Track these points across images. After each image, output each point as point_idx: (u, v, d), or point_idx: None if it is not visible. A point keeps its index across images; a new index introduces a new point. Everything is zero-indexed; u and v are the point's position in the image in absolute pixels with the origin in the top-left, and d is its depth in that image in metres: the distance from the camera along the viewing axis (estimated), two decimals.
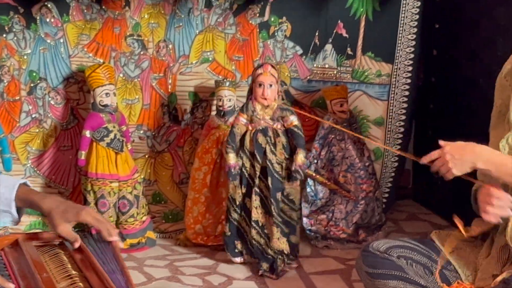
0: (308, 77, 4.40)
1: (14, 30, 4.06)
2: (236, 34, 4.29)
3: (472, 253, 2.57)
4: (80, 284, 1.89)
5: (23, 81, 4.12)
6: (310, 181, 4.23)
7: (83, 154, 3.95)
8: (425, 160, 2.47)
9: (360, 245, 4.02)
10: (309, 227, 4.19)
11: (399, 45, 4.37)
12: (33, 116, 4.15)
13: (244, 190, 3.72)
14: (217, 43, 4.28)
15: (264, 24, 4.30)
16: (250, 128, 3.70)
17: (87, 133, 3.93)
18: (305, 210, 4.21)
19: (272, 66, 3.70)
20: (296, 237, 3.79)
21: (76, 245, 2.10)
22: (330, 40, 4.37)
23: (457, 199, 3.12)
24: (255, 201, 3.70)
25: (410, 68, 4.40)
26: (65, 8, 4.10)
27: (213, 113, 4.19)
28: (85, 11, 4.13)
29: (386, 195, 4.55)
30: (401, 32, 4.35)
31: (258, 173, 3.68)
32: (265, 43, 4.32)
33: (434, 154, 2.43)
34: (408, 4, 4.31)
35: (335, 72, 4.41)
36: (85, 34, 4.15)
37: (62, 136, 4.21)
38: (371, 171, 4.23)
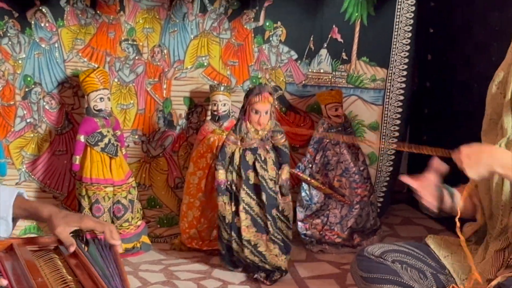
0: (303, 82, 4.41)
1: (8, 34, 4.06)
2: (231, 39, 4.29)
3: (467, 258, 2.58)
4: None
5: (18, 86, 4.11)
6: (305, 186, 4.23)
7: (77, 159, 3.94)
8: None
9: (355, 249, 4.03)
10: (304, 232, 4.19)
11: (393, 49, 4.38)
12: (28, 120, 4.14)
13: (234, 208, 3.72)
14: (212, 48, 4.29)
15: (259, 29, 4.31)
16: (239, 145, 3.70)
17: (82, 138, 3.93)
18: (300, 215, 4.21)
19: (269, 93, 3.68)
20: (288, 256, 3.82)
21: (72, 249, 2.09)
22: (325, 45, 4.37)
23: None
24: (245, 219, 3.70)
25: (405, 73, 4.41)
26: (60, 13, 4.10)
27: (208, 118, 4.19)
28: (80, 15, 4.13)
29: (381, 199, 4.56)
30: (395, 36, 4.36)
31: (243, 189, 3.69)
32: (260, 48, 4.32)
33: (449, 153, 2.37)
34: (402, 8, 4.32)
35: (330, 77, 4.42)
36: (80, 39, 4.15)
37: (56, 140, 4.21)
38: (366, 176, 4.24)
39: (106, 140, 3.93)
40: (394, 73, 4.41)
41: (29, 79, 4.11)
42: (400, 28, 4.35)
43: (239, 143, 3.70)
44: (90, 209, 3.93)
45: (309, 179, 4.19)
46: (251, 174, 3.68)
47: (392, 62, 4.40)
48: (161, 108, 4.29)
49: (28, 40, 4.09)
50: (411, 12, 4.33)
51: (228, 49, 4.30)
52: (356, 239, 4.15)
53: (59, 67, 4.15)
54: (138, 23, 4.20)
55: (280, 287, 3.66)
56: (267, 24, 4.30)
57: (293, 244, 4.12)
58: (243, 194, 3.68)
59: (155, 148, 4.32)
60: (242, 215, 3.68)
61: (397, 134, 4.49)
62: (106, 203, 3.94)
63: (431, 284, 2.55)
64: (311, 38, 4.35)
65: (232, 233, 3.71)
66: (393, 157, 4.54)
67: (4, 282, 1.83)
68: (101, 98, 3.92)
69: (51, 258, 2.09)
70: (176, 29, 4.23)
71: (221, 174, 3.70)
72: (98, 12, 4.14)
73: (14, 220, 2.24)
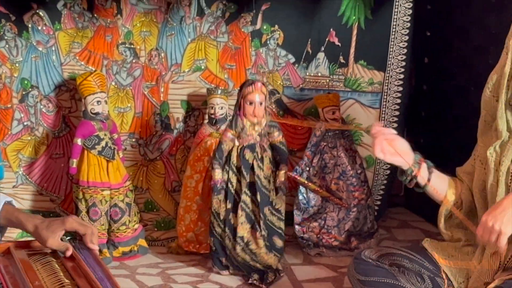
0: (301, 86, 4.40)
1: (5, 37, 4.06)
2: (228, 42, 4.29)
3: (464, 261, 2.58)
4: None
5: (15, 89, 4.11)
6: (302, 189, 4.23)
7: (74, 162, 3.94)
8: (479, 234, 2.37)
9: (352, 252, 4.02)
10: (301, 235, 4.19)
11: (391, 53, 4.38)
12: (25, 123, 4.14)
13: (229, 206, 3.71)
14: (209, 52, 4.29)
15: (256, 32, 4.30)
16: (237, 143, 3.70)
17: (79, 141, 3.92)
18: (297, 218, 4.21)
19: (262, 84, 3.70)
20: (282, 241, 3.81)
21: (68, 253, 2.10)
22: (323, 49, 4.37)
23: None
24: (241, 216, 3.70)
25: (402, 76, 4.41)
26: (57, 16, 4.10)
27: (205, 121, 4.19)
28: (77, 19, 4.13)
29: (378, 202, 4.56)
30: (393, 40, 4.36)
31: (244, 188, 3.69)
32: (258, 51, 4.32)
33: (479, 231, 2.32)
34: (399, 12, 4.33)
35: (327, 81, 4.41)
36: (77, 42, 4.15)
37: (54, 144, 4.21)
38: (363, 179, 4.24)
39: (103, 143, 3.93)
40: (391, 76, 4.41)
41: (26, 82, 4.11)
42: (397, 31, 4.35)
43: (236, 141, 3.69)
44: (87, 212, 3.92)
45: (306, 182, 4.19)
46: (250, 173, 3.68)
47: (389, 65, 4.40)
48: (158, 112, 4.29)
49: (25, 43, 4.09)
50: (408, 15, 4.33)
51: (226, 53, 4.30)
52: (354, 242, 4.15)
53: (56, 70, 4.14)
54: (135, 26, 4.20)
55: None
56: (265, 27, 4.30)
57: (290, 247, 4.13)
58: (242, 193, 3.68)
59: (152, 151, 4.32)
60: (239, 212, 3.68)
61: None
62: (103, 206, 3.93)
63: (429, 287, 2.55)
64: (309, 42, 4.35)
65: (226, 229, 3.71)
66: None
67: None
68: (98, 102, 3.92)
69: (48, 261, 2.09)
70: (173, 32, 4.24)
71: (217, 174, 3.69)
72: (95, 15, 4.14)
73: (2, 229, 2.25)
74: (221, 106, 4.06)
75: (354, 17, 4.34)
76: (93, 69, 4.12)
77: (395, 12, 4.33)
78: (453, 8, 4.31)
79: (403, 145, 2.65)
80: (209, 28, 4.25)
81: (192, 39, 4.25)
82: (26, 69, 4.11)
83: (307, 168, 4.22)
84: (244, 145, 3.67)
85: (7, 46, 4.07)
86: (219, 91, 4.06)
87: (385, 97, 4.43)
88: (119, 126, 4.19)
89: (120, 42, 4.18)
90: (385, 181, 4.56)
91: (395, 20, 4.34)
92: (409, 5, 4.32)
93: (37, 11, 4.06)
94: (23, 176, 4.19)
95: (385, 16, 4.34)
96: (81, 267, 2.02)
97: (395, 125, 4.45)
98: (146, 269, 3.89)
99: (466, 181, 2.73)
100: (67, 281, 1.95)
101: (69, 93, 4.16)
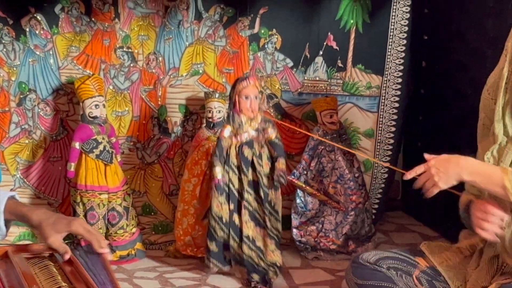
0: (299, 90, 4.41)
1: (3, 41, 4.06)
2: (226, 46, 4.30)
3: (462, 264, 2.58)
4: None
5: (13, 93, 4.11)
6: (299, 192, 4.23)
7: (72, 166, 3.94)
8: (409, 175, 2.47)
9: (350, 256, 4.02)
10: (299, 238, 4.19)
11: (388, 57, 4.38)
12: (23, 127, 4.14)
13: (232, 207, 3.71)
14: (207, 56, 4.29)
15: (254, 36, 4.31)
16: (234, 141, 3.70)
17: (77, 145, 3.92)
18: (295, 221, 4.21)
19: (255, 78, 3.74)
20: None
21: (66, 256, 2.09)
22: (321, 53, 4.37)
23: (446, 210, 3.13)
24: (245, 215, 3.70)
25: (400, 80, 4.41)
26: (55, 20, 4.10)
27: (203, 125, 4.19)
28: (75, 23, 4.13)
29: (376, 206, 4.56)
30: (390, 44, 4.37)
31: (246, 186, 3.69)
32: (255, 55, 4.32)
33: (419, 169, 2.44)
34: (397, 16, 4.33)
35: (325, 85, 4.42)
36: (75, 46, 4.15)
37: (51, 147, 4.21)
38: (361, 182, 4.24)
39: (101, 147, 3.93)
40: (389, 80, 4.41)
41: (23, 86, 4.11)
42: (395, 35, 4.36)
43: (233, 139, 3.69)
44: (85, 216, 3.92)
45: (304, 186, 4.20)
46: (250, 170, 3.68)
47: (387, 69, 4.40)
48: (156, 115, 4.29)
49: (22, 47, 4.09)
50: (406, 19, 4.34)
51: (223, 57, 4.31)
52: (351, 246, 4.15)
53: (53, 74, 4.15)
54: (133, 30, 4.20)
55: None
56: (262, 31, 4.30)
57: (288, 251, 4.13)
58: (244, 192, 3.68)
59: (150, 155, 4.32)
60: (243, 211, 3.68)
61: (392, 141, 4.49)
62: (101, 210, 3.93)
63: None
64: (307, 46, 4.36)
65: (231, 231, 3.70)
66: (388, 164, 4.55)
67: None
68: (96, 105, 3.92)
69: (46, 265, 2.09)
70: (171, 36, 4.24)
71: (219, 172, 3.67)
72: (93, 19, 4.14)
73: (8, 223, 2.23)
74: (219, 110, 4.06)
75: (352, 21, 4.34)
76: (91, 73, 4.13)
77: (392, 16, 4.33)
78: (450, 12, 4.32)
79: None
80: (207, 32, 4.25)
81: (190, 43, 4.26)
82: (23, 72, 4.11)
83: (305, 172, 4.22)
84: (242, 141, 3.68)
85: (4, 50, 4.07)
86: (217, 95, 4.06)
87: (383, 101, 4.44)
88: (117, 130, 4.20)
89: (118, 46, 4.18)
90: (382, 185, 4.56)
91: (392, 24, 4.34)
92: (406, 9, 4.33)
93: (35, 15, 4.07)
94: (20, 179, 4.18)
95: (383, 20, 4.34)
96: (79, 271, 2.02)
97: (393, 128, 4.46)
98: (144, 272, 3.89)
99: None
100: (65, 284, 1.94)
101: (66, 96, 4.17)
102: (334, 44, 4.37)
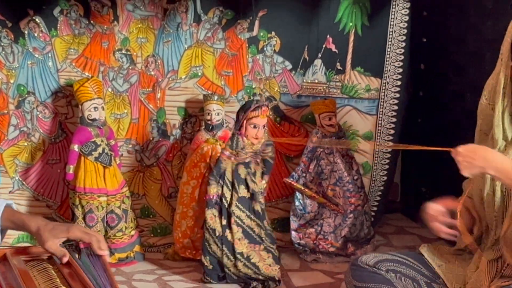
0: (298, 92, 4.41)
1: (2, 44, 4.06)
2: (225, 49, 4.30)
3: (461, 267, 2.58)
4: None
5: (11, 95, 4.11)
6: (298, 195, 4.23)
7: (71, 168, 3.94)
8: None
9: (349, 258, 4.03)
10: (298, 241, 4.19)
11: (387, 59, 4.38)
12: (21, 129, 4.14)
13: (224, 222, 3.72)
14: (206, 58, 4.29)
15: (253, 39, 4.31)
16: (233, 160, 3.72)
17: (75, 147, 3.92)
18: (294, 224, 4.21)
19: (267, 107, 3.77)
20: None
21: (65, 260, 2.09)
22: (320, 55, 4.37)
23: None
24: (237, 232, 3.70)
25: (399, 83, 4.41)
26: (53, 23, 4.11)
27: (202, 127, 4.19)
28: (73, 25, 4.13)
29: (375, 208, 4.56)
30: (389, 46, 4.37)
31: (235, 202, 3.71)
32: (254, 58, 4.32)
33: (446, 149, 2.42)
34: (396, 18, 4.33)
35: (324, 87, 4.42)
36: (73, 49, 4.15)
37: (50, 149, 4.21)
38: (360, 185, 4.24)
39: (100, 149, 3.93)
40: (388, 83, 4.41)
41: (22, 88, 4.11)
42: (394, 38, 4.36)
43: (233, 158, 3.71)
44: (84, 218, 3.92)
45: (303, 188, 4.19)
46: (241, 187, 3.70)
47: (386, 72, 4.40)
48: (155, 118, 4.29)
49: (21, 50, 4.09)
50: (405, 22, 4.34)
51: (222, 59, 4.31)
52: (350, 248, 4.15)
53: (52, 76, 4.14)
54: (132, 33, 4.20)
55: None
56: (261, 34, 4.30)
57: (287, 253, 4.13)
58: (233, 207, 3.69)
59: (149, 157, 4.32)
60: (234, 227, 3.69)
61: (391, 143, 4.49)
62: (99, 212, 3.93)
63: None
64: (306, 48, 4.36)
65: (223, 247, 3.70)
66: (387, 166, 4.55)
67: None
68: (95, 108, 3.92)
69: (45, 267, 2.09)
70: (170, 39, 4.24)
71: (213, 189, 3.72)
72: (91, 22, 4.14)
73: (3, 231, 2.24)
74: (218, 112, 4.06)
75: (351, 24, 4.34)
76: (90, 75, 4.13)
77: (391, 18, 4.33)
78: (449, 14, 4.32)
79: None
80: (206, 35, 4.25)
81: (188, 46, 4.26)
82: (22, 75, 4.11)
83: (304, 174, 4.22)
84: (239, 161, 3.70)
85: (3, 52, 4.07)
86: (216, 97, 4.06)
87: (382, 103, 4.44)
88: (116, 132, 4.19)
89: (116, 48, 4.18)
90: (381, 187, 4.56)
91: (391, 26, 4.34)
92: (405, 11, 4.32)
93: (34, 17, 4.07)
94: (19, 182, 4.18)
95: (382, 23, 4.34)
96: (77, 273, 2.02)
97: (392, 131, 4.46)
98: (143, 275, 3.89)
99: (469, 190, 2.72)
100: (63, 287, 1.94)
101: (65, 99, 4.17)
102: (333, 47, 4.37)
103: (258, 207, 3.70)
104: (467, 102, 4.00)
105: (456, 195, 2.54)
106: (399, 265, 2.60)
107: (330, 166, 4.18)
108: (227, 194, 3.72)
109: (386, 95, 4.42)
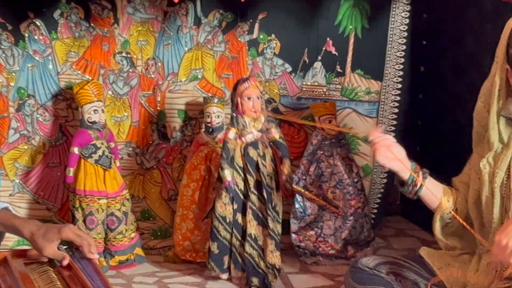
0: (298, 95, 4.40)
1: (2, 47, 4.06)
2: (225, 51, 4.30)
3: (461, 269, 2.58)
4: None
5: (11, 98, 4.11)
6: (298, 197, 4.23)
7: (71, 171, 3.94)
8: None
9: (349, 261, 4.03)
10: (298, 243, 4.19)
11: (387, 62, 4.38)
12: (22, 132, 4.14)
13: (235, 206, 3.71)
14: (206, 61, 4.29)
15: (253, 42, 4.31)
16: (239, 142, 3.70)
17: (75, 150, 3.92)
18: (294, 226, 4.21)
19: (255, 79, 3.78)
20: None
21: (65, 263, 2.09)
22: (319, 58, 4.37)
23: None
24: (249, 214, 3.70)
25: (399, 85, 4.41)
26: (54, 25, 4.11)
27: (202, 130, 4.19)
28: (74, 28, 4.13)
29: (375, 211, 4.56)
30: (389, 49, 4.37)
31: (252, 187, 3.69)
32: (254, 60, 4.33)
33: (494, 250, 2.26)
34: (396, 21, 4.33)
35: (324, 90, 4.42)
36: (74, 52, 4.15)
37: (50, 152, 4.20)
38: (360, 187, 4.24)
39: (100, 152, 3.93)
40: (388, 86, 4.41)
41: (22, 91, 4.11)
42: (394, 40, 4.36)
43: (238, 141, 3.69)
44: (84, 221, 3.92)
45: (303, 190, 4.19)
46: (255, 171, 3.69)
47: (386, 75, 4.40)
48: (155, 121, 4.29)
49: (21, 53, 4.09)
50: (405, 24, 4.34)
51: (222, 62, 4.31)
52: (350, 251, 4.15)
53: (52, 79, 4.15)
54: (132, 35, 4.20)
55: None
56: (261, 36, 4.30)
57: (287, 256, 4.13)
58: (250, 193, 3.69)
59: (149, 160, 4.32)
60: (248, 211, 3.69)
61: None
62: (99, 215, 3.93)
63: None
64: (305, 51, 4.36)
65: (234, 230, 3.71)
66: (387, 169, 4.54)
67: None
68: (95, 110, 3.92)
69: (45, 270, 2.09)
70: (170, 41, 4.24)
71: (228, 174, 3.65)
72: (92, 24, 4.14)
73: (0, 234, 2.24)
74: (218, 114, 4.06)
75: (351, 26, 4.34)
76: (90, 78, 4.13)
77: (391, 21, 4.33)
78: (449, 17, 4.32)
79: (401, 152, 2.66)
80: (206, 38, 4.26)
81: (189, 49, 4.26)
82: (22, 78, 4.11)
83: (304, 177, 4.22)
84: (247, 142, 3.68)
85: (3, 55, 4.07)
86: (216, 100, 4.07)
87: (382, 106, 4.44)
88: (116, 135, 4.19)
89: (117, 51, 4.19)
90: (381, 190, 4.56)
91: (392, 29, 4.34)
92: (406, 14, 4.33)
93: (34, 20, 4.07)
94: (19, 185, 4.18)
95: (382, 25, 4.34)
96: (78, 276, 2.02)
97: (393, 134, 4.45)
98: (143, 278, 3.89)
99: (462, 190, 2.73)
100: None
101: (65, 102, 4.17)
102: (333, 49, 4.37)
103: (264, 193, 3.67)
104: (466, 104, 3.98)
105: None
106: (399, 268, 2.60)
107: (330, 168, 4.18)
108: (238, 180, 3.70)
109: (387, 98, 4.42)
